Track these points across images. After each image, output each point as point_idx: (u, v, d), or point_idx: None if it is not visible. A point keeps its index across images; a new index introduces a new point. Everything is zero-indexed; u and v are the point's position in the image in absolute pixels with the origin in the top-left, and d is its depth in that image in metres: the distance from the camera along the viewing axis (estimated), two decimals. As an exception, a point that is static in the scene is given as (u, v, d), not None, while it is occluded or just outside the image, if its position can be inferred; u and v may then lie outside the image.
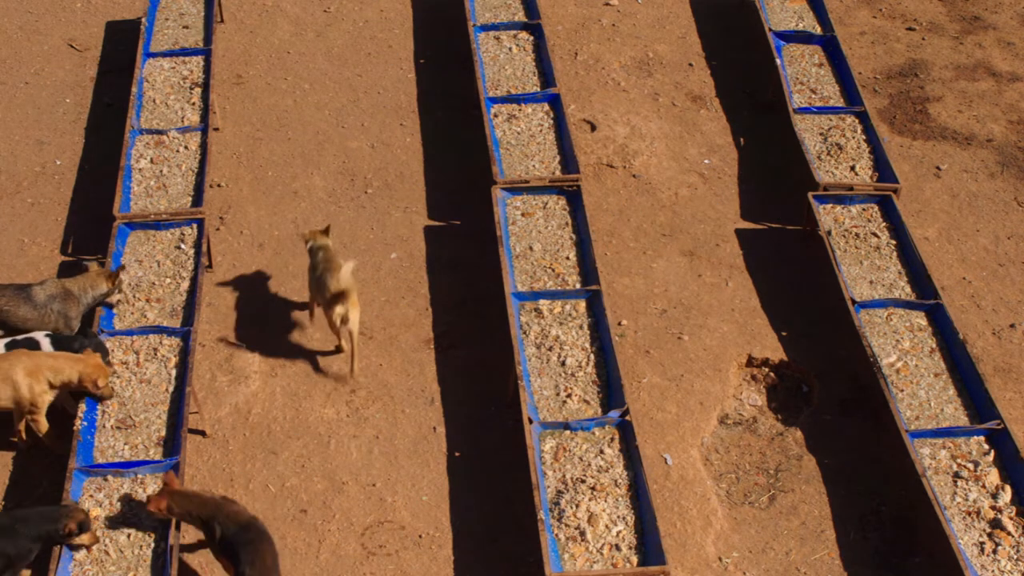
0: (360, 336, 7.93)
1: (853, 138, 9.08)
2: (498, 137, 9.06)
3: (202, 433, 7.42)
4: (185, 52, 9.72)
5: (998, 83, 10.33)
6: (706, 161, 9.54)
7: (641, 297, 8.42)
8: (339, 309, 7.43)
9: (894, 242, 8.37)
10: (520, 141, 9.04)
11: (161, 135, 8.93)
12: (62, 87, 10.15)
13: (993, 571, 6.45)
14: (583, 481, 6.79)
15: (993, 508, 6.72)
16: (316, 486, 7.18)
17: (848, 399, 7.76)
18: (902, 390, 7.35)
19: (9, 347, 7.11)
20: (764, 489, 7.31)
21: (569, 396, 7.28)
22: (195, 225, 8.24)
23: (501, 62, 9.77)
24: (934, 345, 7.64)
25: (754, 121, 9.93)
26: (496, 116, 9.26)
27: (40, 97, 10.05)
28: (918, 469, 6.80)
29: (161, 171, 8.67)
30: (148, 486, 6.68)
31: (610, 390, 7.33)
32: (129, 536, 6.49)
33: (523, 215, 8.48)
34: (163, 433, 6.98)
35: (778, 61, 9.69)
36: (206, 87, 9.39)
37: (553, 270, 8.08)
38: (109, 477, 6.74)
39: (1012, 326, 8.23)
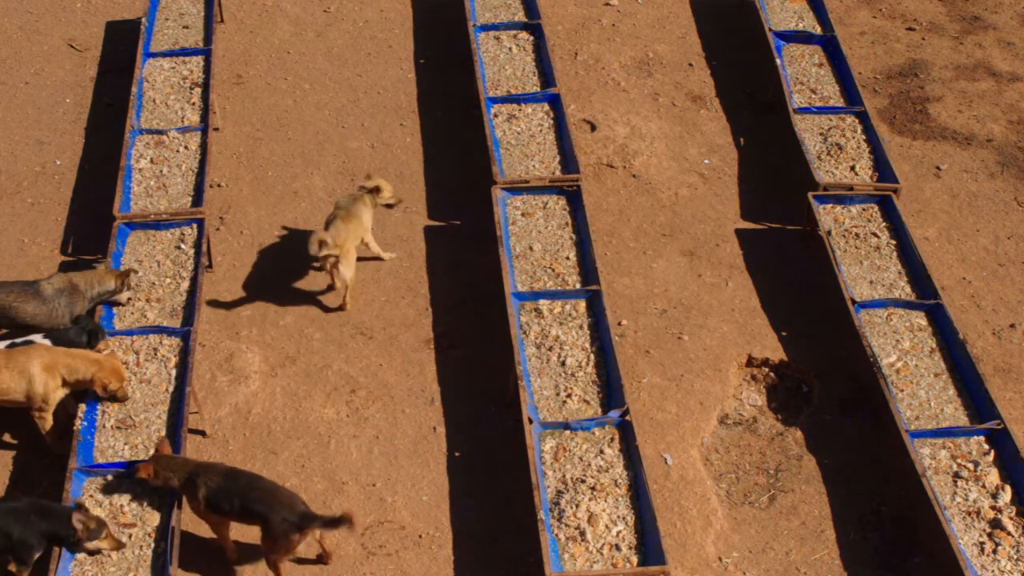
0: (361, 336, 7.98)
1: (853, 138, 9.07)
2: (498, 137, 9.06)
3: (202, 433, 7.42)
4: (185, 52, 9.72)
5: (998, 83, 10.32)
6: (706, 161, 9.53)
7: (641, 297, 8.41)
8: (330, 258, 7.85)
9: (894, 242, 8.37)
10: (520, 141, 9.04)
11: (161, 135, 8.93)
12: (62, 87, 10.15)
13: (993, 571, 6.45)
14: (583, 481, 6.79)
15: (993, 508, 6.71)
16: (316, 486, 7.18)
17: (848, 399, 7.76)
18: (902, 390, 7.35)
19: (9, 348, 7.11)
20: (764, 489, 7.30)
21: (569, 396, 7.28)
22: (195, 225, 8.24)
23: (501, 62, 9.77)
24: (934, 345, 7.64)
25: (754, 121, 9.93)
26: (496, 116, 9.25)
27: (40, 97, 10.05)
28: (918, 469, 6.80)
29: (161, 171, 8.67)
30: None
31: (610, 390, 7.33)
32: (129, 536, 6.49)
33: (523, 215, 8.48)
34: (163, 433, 6.98)
35: (778, 61, 9.68)
36: (206, 87, 9.38)
37: (553, 270, 8.07)
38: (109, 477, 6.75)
39: (1012, 326, 8.23)
